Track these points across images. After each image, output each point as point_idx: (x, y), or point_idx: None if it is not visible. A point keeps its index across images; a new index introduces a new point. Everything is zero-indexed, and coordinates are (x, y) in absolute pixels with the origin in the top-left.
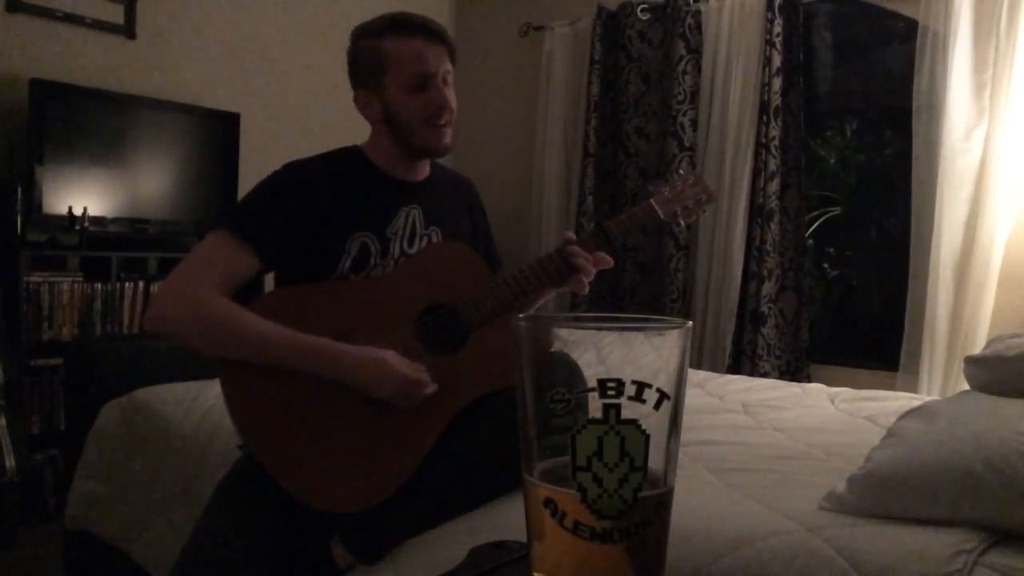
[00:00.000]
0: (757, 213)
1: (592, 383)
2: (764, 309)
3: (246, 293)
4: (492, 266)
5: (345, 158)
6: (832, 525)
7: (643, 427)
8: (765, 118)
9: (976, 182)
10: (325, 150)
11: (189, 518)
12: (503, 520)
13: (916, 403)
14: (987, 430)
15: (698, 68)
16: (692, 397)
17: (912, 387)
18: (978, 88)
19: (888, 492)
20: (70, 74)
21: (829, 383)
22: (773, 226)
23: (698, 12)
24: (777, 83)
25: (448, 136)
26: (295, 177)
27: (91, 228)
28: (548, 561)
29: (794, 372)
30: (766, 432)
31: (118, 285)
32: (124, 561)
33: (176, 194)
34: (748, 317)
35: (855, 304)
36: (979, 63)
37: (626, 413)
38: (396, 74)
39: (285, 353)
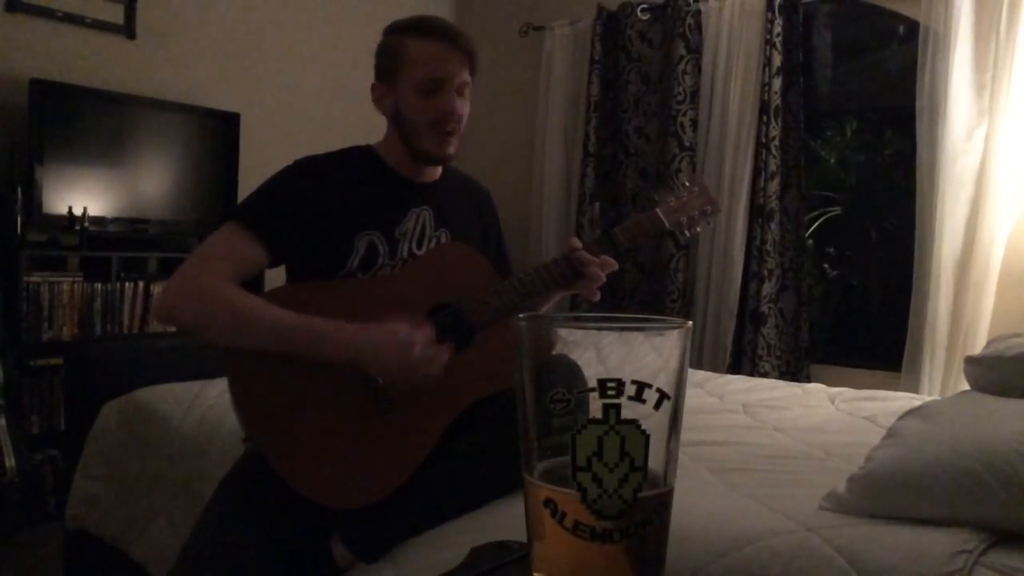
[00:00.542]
0: (757, 213)
1: (592, 383)
2: (764, 309)
3: (249, 290)
4: (504, 274)
5: (358, 157)
6: (832, 525)
7: (643, 427)
8: (765, 118)
9: (976, 182)
10: (325, 150)
11: (189, 518)
12: (503, 520)
13: (916, 403)
14: (987, 430)
15: (698, 68)
16: (692, 397)
17: (913, 387)
18: (978, 88)
19: (888, 492)
20: (70, 74)
21: (829, 383)
22: (773, 226)
23: (698, 12)
24: (777, 83)
25: (452, 146)
26: (307, 172)
27: (91, 228)
28: (548, 561)
29: (794, 372)
30: (766, 432)
31: (118, 285)
32: (124, 561)
33: (176, 194)
34: (748, 317)
35: (855, 304)
36: (979, 63)
37: (626, 413)
38: (410, 73)
39: (292, 335)
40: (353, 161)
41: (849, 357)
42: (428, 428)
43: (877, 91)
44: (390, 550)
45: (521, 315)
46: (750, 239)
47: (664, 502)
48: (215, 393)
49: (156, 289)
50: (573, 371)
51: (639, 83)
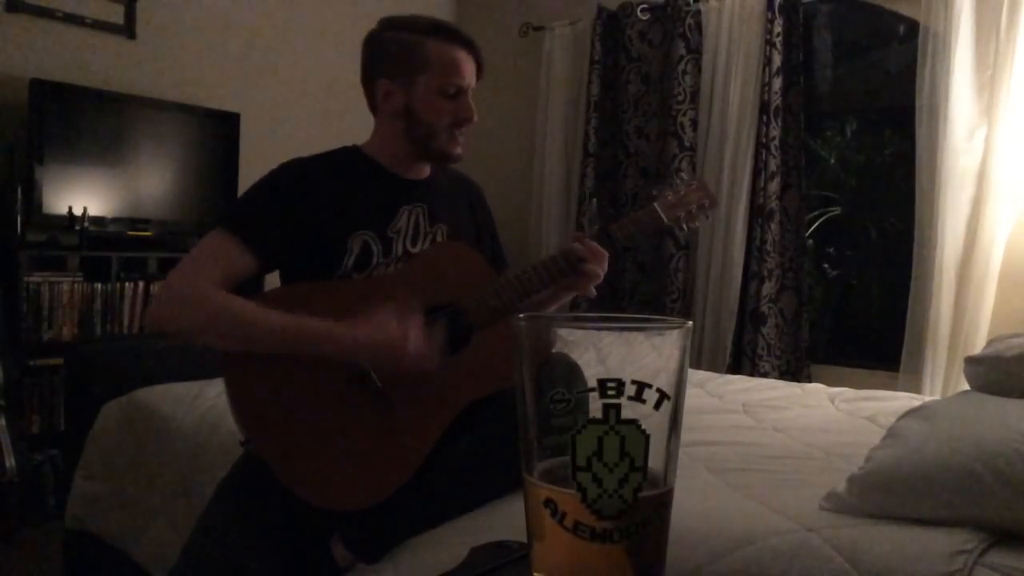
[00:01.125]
0: (757, 213)
1: (592, 383)
2: (764, 309)
3: (246, 293)
4: (499, 269)
5: (343, 157)
6: (832, 525)
7: (643, 427)
8: (765, 118)
9: (977, 182)
10: (325, 150)
11: (189, 518)
12: (503, 520)
13: (916, 403)
14: (987, 430)
15: (698, 68)
16: (692, 397)
17: (913, 387)
18: (979, 88)
19: (888, 492)
20: (70, 74)
21: (829, 383)
22: (773, 226)
23: (698, 12)
24: (777, 83)
25: (460, 146)
26: (294, 176)
27: (91, 228)
28: (548, 561)
29: (794, 372)
30: (766, 432)
31: (118, 285)
32: (124, 561)
33: (176, 194)
34: (748, 317)
35: (855, 304)
36: (980, 63)
37: (626, 413)
38: (433, 76)
39: (289, 337)
40: (340, 162)
41: (849, 357)
42: (427, 428)
43: (877, 91)
44: (390, 550)
45: (521, 315)
46: (750, 239)
47: (664, 502)
48: (215, 393)
49: (156, 289)
50: (573, 371)
51: (639, 83)
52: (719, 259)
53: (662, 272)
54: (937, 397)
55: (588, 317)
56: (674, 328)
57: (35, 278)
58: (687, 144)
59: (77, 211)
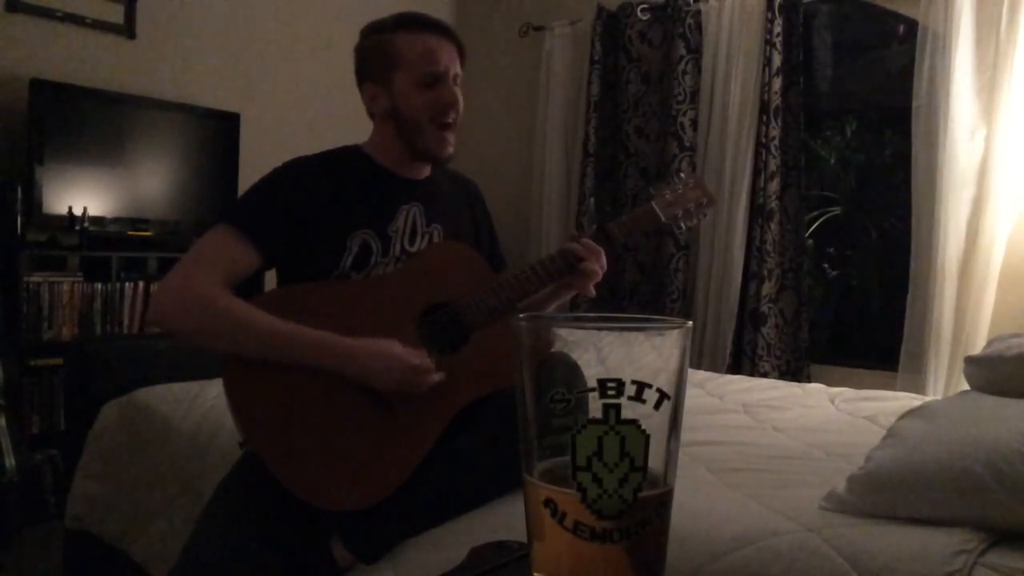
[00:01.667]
0: (757, 213)
1: (592, 383)
2: (764, 309)
3: (246, 291)
4: (497, 267)
5: (345, 156)
6: (832, 525)
7: (643, 427)
8: (765, 118)
9: (977, 182)
10: (326, 149)
11: (189, 518)
12: (503, 520)
13: (916, 403)
14: (987, 430)
15: (698, 68)
16: (692, 397)
17: (913, 387)
18: (979, 88)
19: (888, 492)
20: (70, 74)
21: (829, 383)
22: (773, 226)
23: (698, 12)
24: (777, 83)
25: (452, 143)
26: (296, 174)
27: (91, 228)
28: (548, 561)
29: (794, 372)
30: (766, 432)
31: (118, 285)
32: (124, 561)
33: (176, 194)
34: (748, 317)
35: (855, 304)
36: (980, 63)
37: (626, 413)
38: (407, 70)
39: (288, 346)
40: (342, 161)
41: (849, 357)
42: (426, 428)
43: (877, 91)
44: (390, 550)
45: (521, 315)
46: (750, 239)
47: (664, 502)
48: (215, 393)
49: (156, 286)
50: (573, 371)
51: (639, 83)
52: (719, 259)
53: (662, 272)
54: (937, 397)
55: (588, 317)
56: (674, 328)
57: (35, 278)
58: (687, 144)
59: (77, 211)
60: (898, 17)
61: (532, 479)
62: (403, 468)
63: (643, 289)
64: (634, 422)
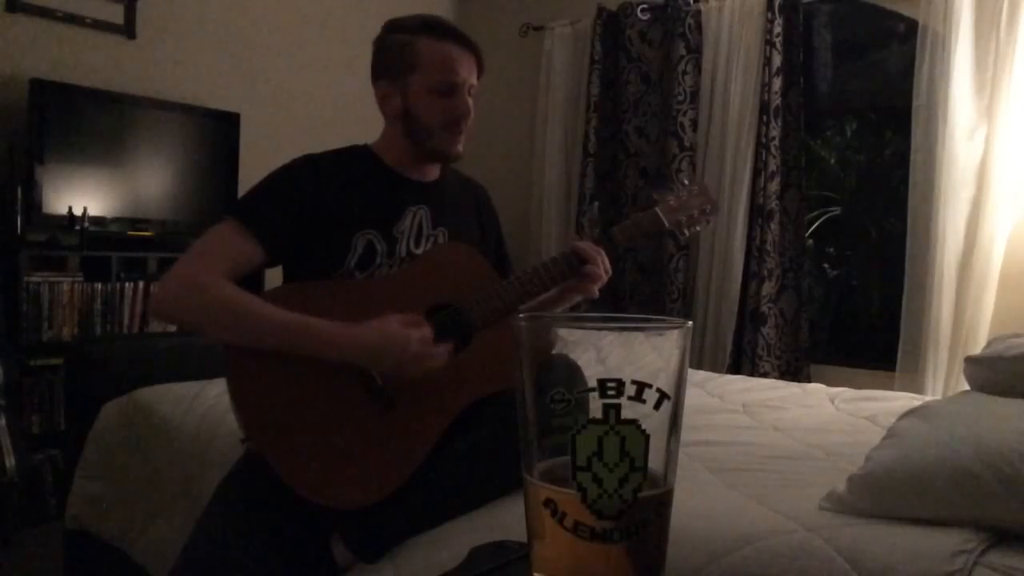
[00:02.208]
0: (757, 213)
1: (592, 383)
2: (764, 309)
3: (248, 289)
4: (504, 272)
5: (354, 155)
6: (832, 525)
7: (643, 427)
8: (765, 118)
9: (977, 182)
10: (325, 149)
11: (189, 518)
12: (503, 520)
13: (916, 403)
14: (987, 430)
15: (698, 68)
16: (692, 397)
17: (913, 387)
18: (979, 88)
19: (888, 492)
20: (70, 74)
21: (829, 383)
22: (773, 226)
23: (698, 12)
24: (777, 83)
25: (461, 144)
26: (307, 171)
27: (91, 228)
28: (548, 561)
29: (794, 372)
30: (766, 432)
31: (118, 285)
32: (124, 561)
33: (176, 194)
34: (748, 317)
35: (855, 304)
36: (979, 63)
37: (626, 413)
38: (425, 75)
39: (288, 334)
40: (351, 160)
41: (849, 357)
42: (427, 428)
43: (877, 91)
44: (390, 550)
45: (521, 315)
46: (750, 239)
47: (664, 502)
48: (215, 393)
49: (161, 278)
50: (573, 371)
51: (639, 83)
52: (719, 259)
53: (662, 272)
54: (937, 397)
55: (588, 317)
56: (674, 328)
57: (35, 278)
58: (687, 144)
59: (77, 211)
60: (898, 17)
61: (532, 479)
62: (404, 468)
63: (643, 289)
64: (634, 422)
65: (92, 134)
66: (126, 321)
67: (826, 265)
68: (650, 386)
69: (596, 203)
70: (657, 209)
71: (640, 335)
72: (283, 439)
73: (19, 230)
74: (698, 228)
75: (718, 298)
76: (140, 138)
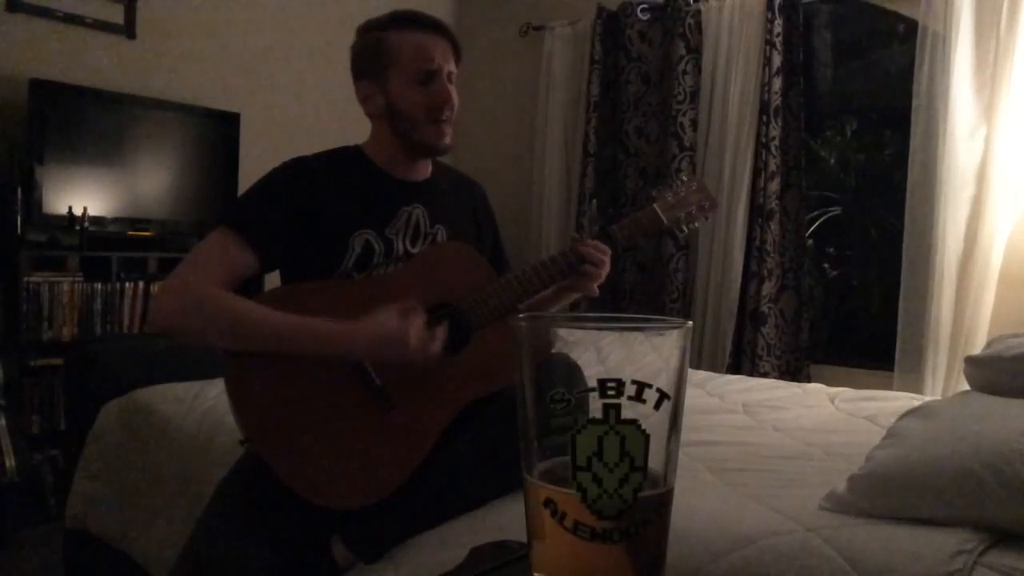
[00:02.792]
0: (757, 213)
1: (592, 383)
2: (764, 309)
3: (246, 292)
4: (500, 269)
5: (346, 156)
6: (832, 525)
7: (643, 427)
8: (765, 118)
9: (977, 182)
10: (325, 149)
11: (189, 518)
12: (503, 520)
13: (916, 403)
14: (987, 430)
15: (698, 68)
16: (692, 397)
17: (913, 387)
18: (979, 88)
19: (888, 492)
20: (70, 74)
21: (829, 383)
22: (773, 226)
23: (698, 12)
24: (777, 83)
25: (448, 135)
26: (295, 174)
27: (91, 228)
28: (548, 561)
29: (794, 372)
30: (766, 432)
31: (118, 285)
32: (124, 561)
33: (176, 194)
34: (748, 317)
35: (855, 304)
36: (979, 63)
37: (626, 413)
38: (400, 67)
39: (288, 335)
40: (342, 161)
41: (849, 357)
42: (427, 428)
43: (877, 91)
44: (390, 550)
45: (521, 315)
46: (750, 239)
47: (664, 502)
48: (215, 393)
49: (156, 289)
50: (573, 371)
51: (639, 83)
52: (719, 259)
53: (662, 272)
54: (937, 397)
55: (588, 317)
56: (674, 328)
57: (35, 278)
58: (687, 144)
59: (77, 211)
60: (898, 17)
61: (532, 479)
62: (404, 467)
63: (643, 289)
64: (634, 422)
65: (92, 134)
66: (126, 321)
67: (826, 265)
68: (650, 386)
69: (594, 200)
70: (655, 206)
71: (640, 335)
72: (282, 440)
73: (19, 230)
74: (696, 225)
75: (718, 298)
76: (140, 138)
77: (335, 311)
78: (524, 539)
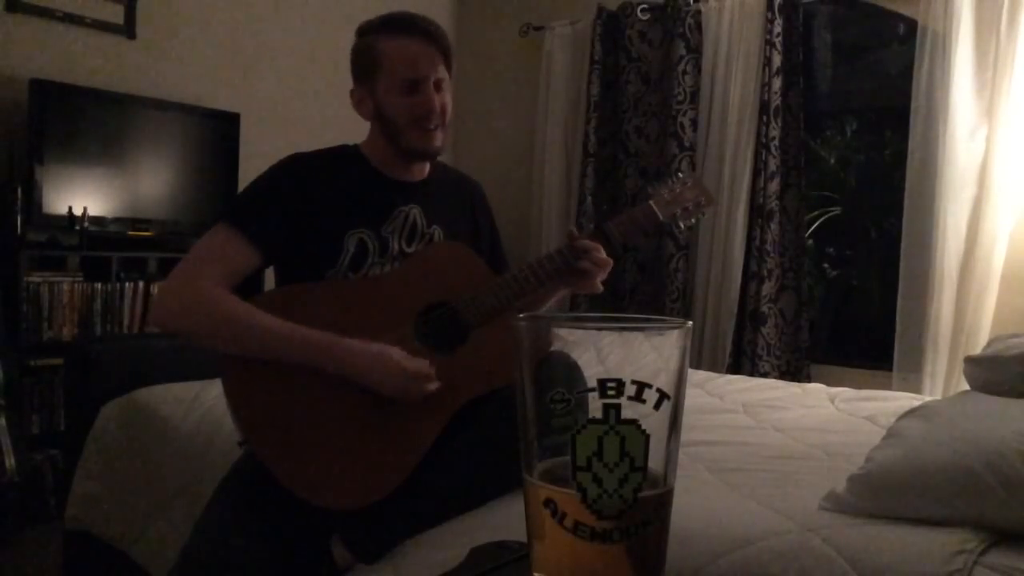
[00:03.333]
0: (757, 213)
1: (592, 383)
2: (764, 309)
3: (246, 291)
4: (498, 269)
5: (343, 155)
6: (832, 525)
7: (643, 427)
8: (765, 118)
9: (978, 182)
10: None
11: (189, 518)
12: (503, 520)
13: (916, 403)
14: (987, 430)
15: (698, 68)
16: (692, 397)
17: (913, 387)
18: (979, 88)
19: (888, 492)
20: (70, 74)
21: (829, 383)
22: (773, 226)
23: (698, 12)
24: (777, 83)
25: (438, 139)
26: (294, 170)
27: (91, 228)
28: (548, 561)
29: (794, 372)
30: (766, 432)
31: (118, 285)
32: (124, 561)
33: (176, 194)
34: (748, 317)
35: (855, 304)
36: (980, 63)
37: (626, 413)
38: (387, 74)
39: (289, 347)
40: (340, 160)
41: (849, 357)
42: (425, 427)
43: (877, 91)
44: (390, 550)
45: (521, 315)
46: (750, 239)
47: (664, 502)
48: (215, 393)
49: (156, 289)
50: (573, 371)
51: (639, 83)
52: (719, 259)
53: (662, 272)
54: (937, 397)
55: (588, 317)
56: (674, 328)
57: (35, 278)
58: (687, 144)
59: (77, 211)
60: (898, 17)
61: (532, 479)
62: (402, 467)
63: (643, 289)
64: (634, 422)
65: (92, 134)
66: (126, 321)
67: (826, 265)
68: (650, 386)
69: (589, 198)
70: (651, 202)
71: (640, 335)
72: (280, 441)
73: (19, 230)
74: (693, 221)
75: (718, 298)
76: (140, 138)
77: (332, 310)
78: (524, 539)
